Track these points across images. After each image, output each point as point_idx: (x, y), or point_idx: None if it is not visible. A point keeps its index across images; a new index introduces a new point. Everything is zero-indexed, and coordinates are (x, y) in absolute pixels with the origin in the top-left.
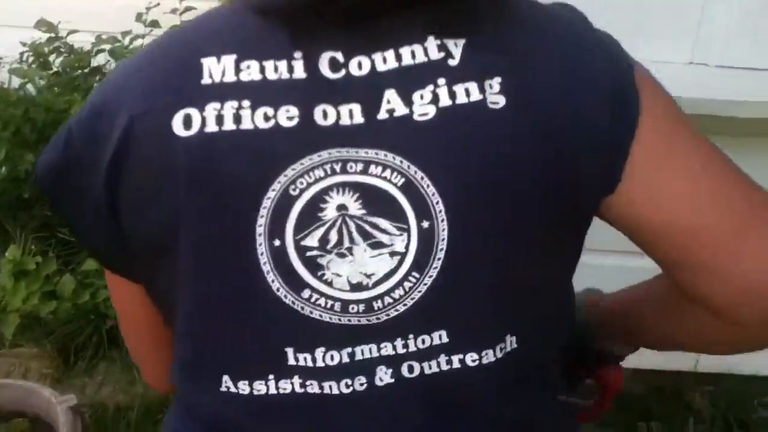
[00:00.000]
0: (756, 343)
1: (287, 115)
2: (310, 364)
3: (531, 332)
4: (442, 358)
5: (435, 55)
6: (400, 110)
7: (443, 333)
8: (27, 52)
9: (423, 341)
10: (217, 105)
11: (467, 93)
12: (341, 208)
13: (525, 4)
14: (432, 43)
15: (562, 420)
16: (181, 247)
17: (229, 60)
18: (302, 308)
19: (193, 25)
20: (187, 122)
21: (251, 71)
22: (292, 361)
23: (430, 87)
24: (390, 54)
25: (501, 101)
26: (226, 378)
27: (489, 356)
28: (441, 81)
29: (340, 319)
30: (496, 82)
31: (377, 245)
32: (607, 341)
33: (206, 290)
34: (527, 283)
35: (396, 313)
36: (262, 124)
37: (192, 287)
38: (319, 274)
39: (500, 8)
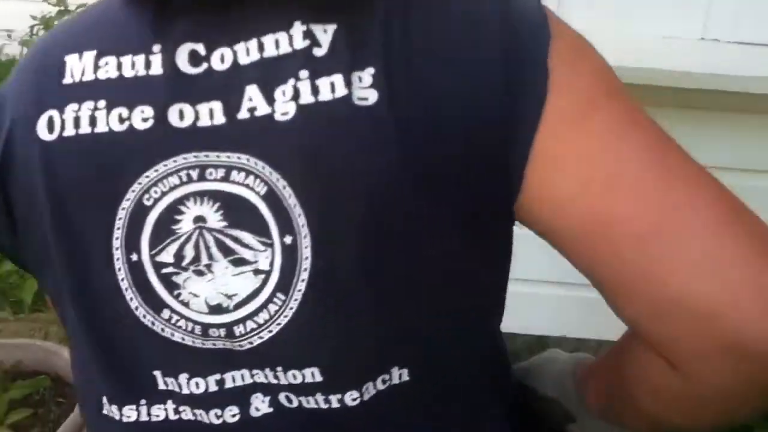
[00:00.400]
0: (716, 410)
1: (142, 116)
2: (177, 389)
3: (429, 362)
4: (319, 397)
5: (300, 43)
6: (262, 109)
7: (315, 371)
8: (37, 24)
9: (294, 377)
10: (76, 106)
11: (332, 87)
12: (198, 219)
13: None
14: (298, 29)
15: None
16: (54, 260)
17: (89, 56)
18: (162, 330)
19: (70, 19)
20: (51, 125)
21: (109, 68)
22: (162, 386)
23: (292, 81)
24: (253, 44)
25: (372, 96)
26: (104, 400)
27: (370, 390)
28: (303, 74)
29: (203, 343)
30: (367, 74)
31: (240, 262)
32: (594, 428)
33: (77, 307)
34: (414, 309)
35: (260, 340)
36: (117, 127)
37: (67, 304)
38: (176, 293)
39: None
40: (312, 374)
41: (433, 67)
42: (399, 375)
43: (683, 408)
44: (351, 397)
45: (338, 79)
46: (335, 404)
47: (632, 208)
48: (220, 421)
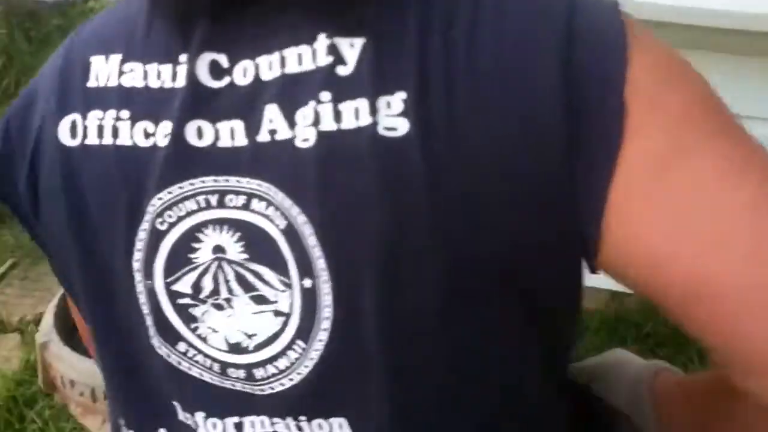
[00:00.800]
0: None
1: (164, 133)
2: (194, 426)
3: (468, 414)
4: None
5: (323, 60)
6: (283, 132)
7: (343, 422)
8: None
9: (320, 426)
10: (100, 113)
11: (356, 114)
12: (218, 249)
13: None
14: (322, 43)
15: None
16: (73, 269)
17: (114, 60)
18: (179, 363)
19: (104, 13)
20: (73, 130)
21: (134, 75)
22: (181, 417)
23: (313, 104)
24: (275, 57)
25: (402, 127)
26: (122, 422)
27: None
28: (325, 96)
29: (222, 382)
30: (397, 99)
31: (260, 300)
32: None
33: (99, 326)
34: (441, 362)
35: (282, 387)
36: (142, 142)
37: (89, 319)
38: (193, 326)
39: None
40: (339, 425)
41: (480, 96)
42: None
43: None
44: None
45: (363, 104)
46: None
47: (740, 269)
48: None
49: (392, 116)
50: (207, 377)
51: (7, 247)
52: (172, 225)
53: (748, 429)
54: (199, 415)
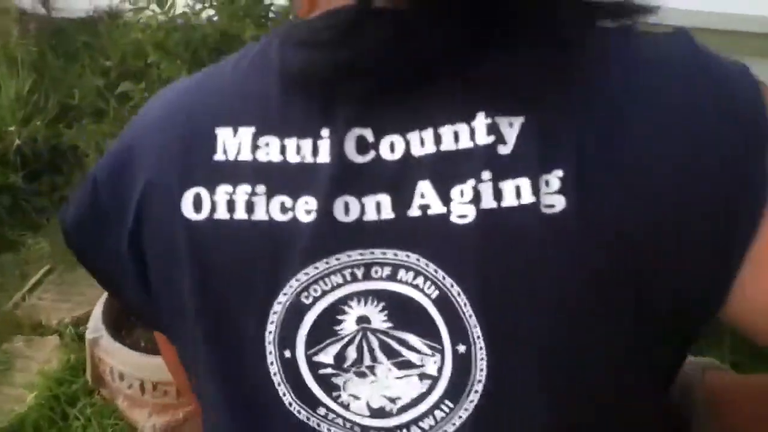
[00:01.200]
0: None
1: (306, 208)
2: None
3: None
4: None
5: (483, 138)
6: (436, 208)
7: None
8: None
9: None
10: (230, 188)
11: (517, 193)
12: (362, 320)
13: (617, 38)
14: (481, 121)
15: None
16: (191, 337)
17: (246, 133)
18: (318, 425)
19: (210, 78)
20: (197, 204)
21: (270, 150)
22: None
23: (472, 182)
24: (428, 134)
25: (559, 203)
26: None
27: None
28: (486, 175)
29: None
30: (555, 177)
31: (405, 365)
32: None
33: (218, 391)
34: (591, 418)
35: None
36: (279, 216)
37: (207, 382)
38: (335, 395)
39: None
40: None
41: (638, 173)
42: None
43: None
44: None
45: (524, 183)
46: None
47: None
48: None
49: (550, 194)
50: None
51: (43, 254)
52: (316, 299)
53: None
54: None
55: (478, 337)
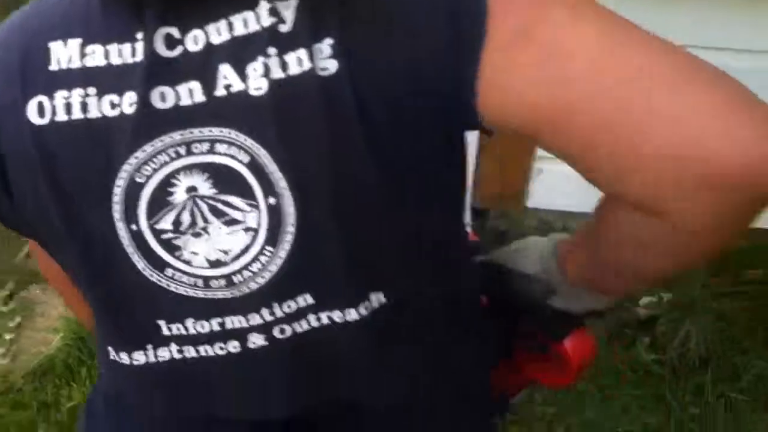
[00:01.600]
0: (700, 245)
1: (128, 101)
2: (183, 332)
3: (403, 286)
4: (311, 317)
5: (266, 21)
6: (237, 85)
7: (307, 296)
8: None
9: (289, 306)
10: (66, 93)
11: (299, 62)
12: (191, 190)
13: None
14: (263, 7)
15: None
16: (56, 233)
17: (74, 44)
18: (168, 285)
19: (40, 5)
20: (41, 110)
21: (96, 56)
22: (166, 332)
23: (262, 58)
24: (223, 24)
25: (332, 66)
26: (110, 349)
27: (353, 314)
28: (272, 50)
29: (205, 294)
30: (326, 45)
31: (231, 222)
32: (575, 298)
33: (84, 271)
34: (385, 241)
35: (257, 285)
36: (110, 113)
37: (74, 267)
38: (177, 254)
39: None
40: (305, 299)
41: (387, 33)
42: (376, 299)
43: (668, 252)
44: (337, 316)
45: (303, 53)
46: (325, 320)
47: (594, 91)
48: (224, 352)
49: (325, 59)
50: (192, 292)
51: None
52: (149, 177)
53: (622, 236)
54: (189, 321)
55: (284, 188)
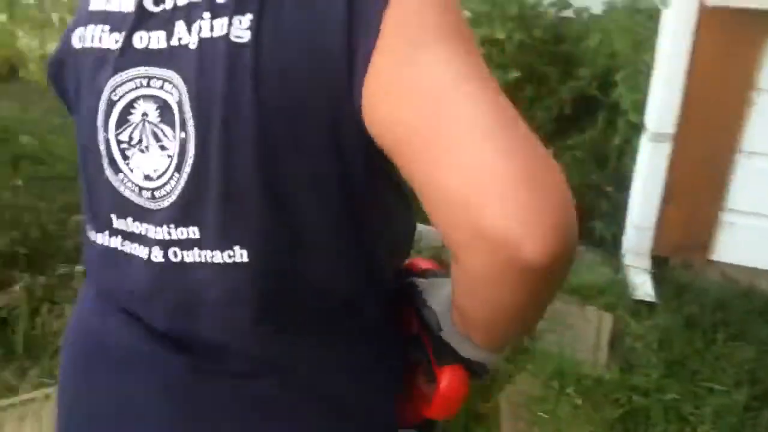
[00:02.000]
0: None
1: (121, 39)
2: (125, 228)
3: (263, 251)
4: (195, 251)
5: None
6: (185, 39)
7: (195, 229)
8: None
9: (182, 233)
10: (93, 27)
11: (221, 27)
12: (144, 114)
13: None
14: None
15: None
16: (72, 106)
17: None
18: (118, 187)
19: None
20: (80, 38)
21: (112, 3)
22: (116, 224)
23: (199, 20)
24: None
25: (246, 36)
26: (89, 227)
27: (217, 258)
28: (206, 15)
29: (138, 201)
30: (246, 19)
31: (163, 147)
32: (458, 343)
33: (81, 157)
34: (257, 203)
35: (167, 203)
36: (113, 46)
37: (79, 149)
38: (127, 162)
39: None
40: (193, 232)
41: (293, 14)
42: (240, 254)
43: (465, 296)
44: (213, 258)
45: (225, 20)
46: (206, 259)
47: (412, 116)
48: (143, 255)
49: (242, 29)
50: (133, 197)
51: None
52: (120, 97)
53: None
54: (129, 219)
55: (191, 126)
